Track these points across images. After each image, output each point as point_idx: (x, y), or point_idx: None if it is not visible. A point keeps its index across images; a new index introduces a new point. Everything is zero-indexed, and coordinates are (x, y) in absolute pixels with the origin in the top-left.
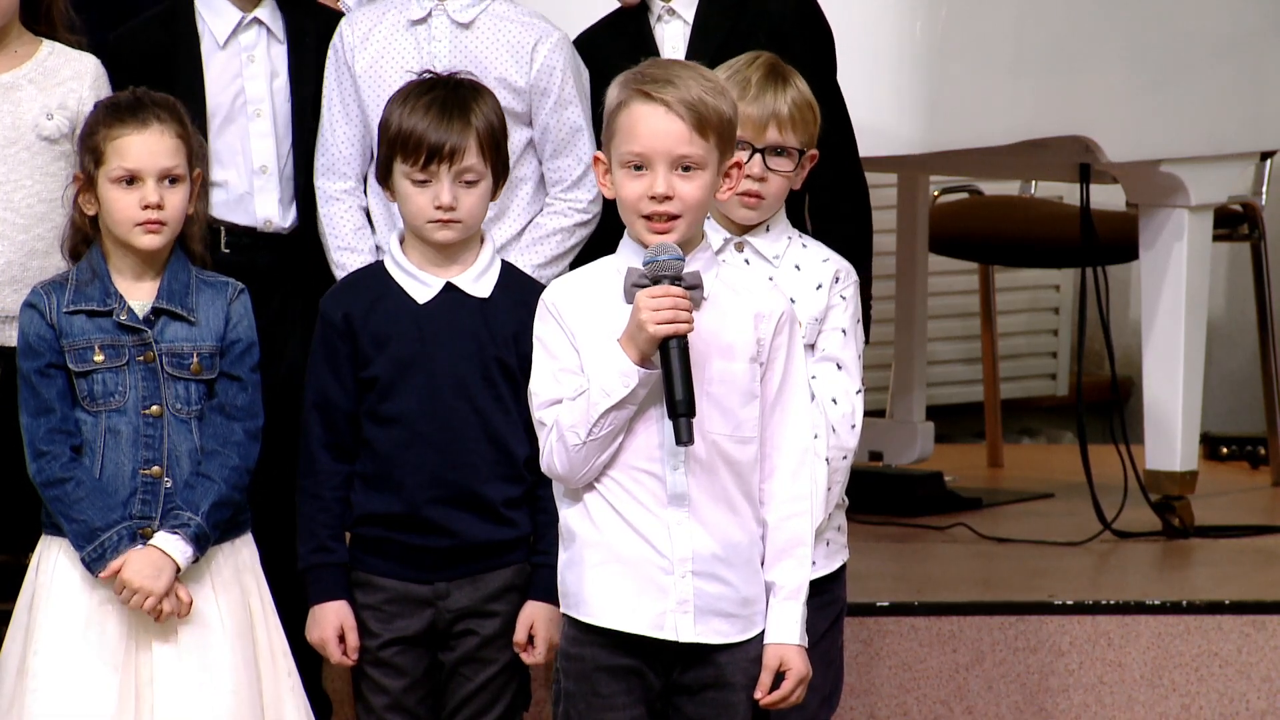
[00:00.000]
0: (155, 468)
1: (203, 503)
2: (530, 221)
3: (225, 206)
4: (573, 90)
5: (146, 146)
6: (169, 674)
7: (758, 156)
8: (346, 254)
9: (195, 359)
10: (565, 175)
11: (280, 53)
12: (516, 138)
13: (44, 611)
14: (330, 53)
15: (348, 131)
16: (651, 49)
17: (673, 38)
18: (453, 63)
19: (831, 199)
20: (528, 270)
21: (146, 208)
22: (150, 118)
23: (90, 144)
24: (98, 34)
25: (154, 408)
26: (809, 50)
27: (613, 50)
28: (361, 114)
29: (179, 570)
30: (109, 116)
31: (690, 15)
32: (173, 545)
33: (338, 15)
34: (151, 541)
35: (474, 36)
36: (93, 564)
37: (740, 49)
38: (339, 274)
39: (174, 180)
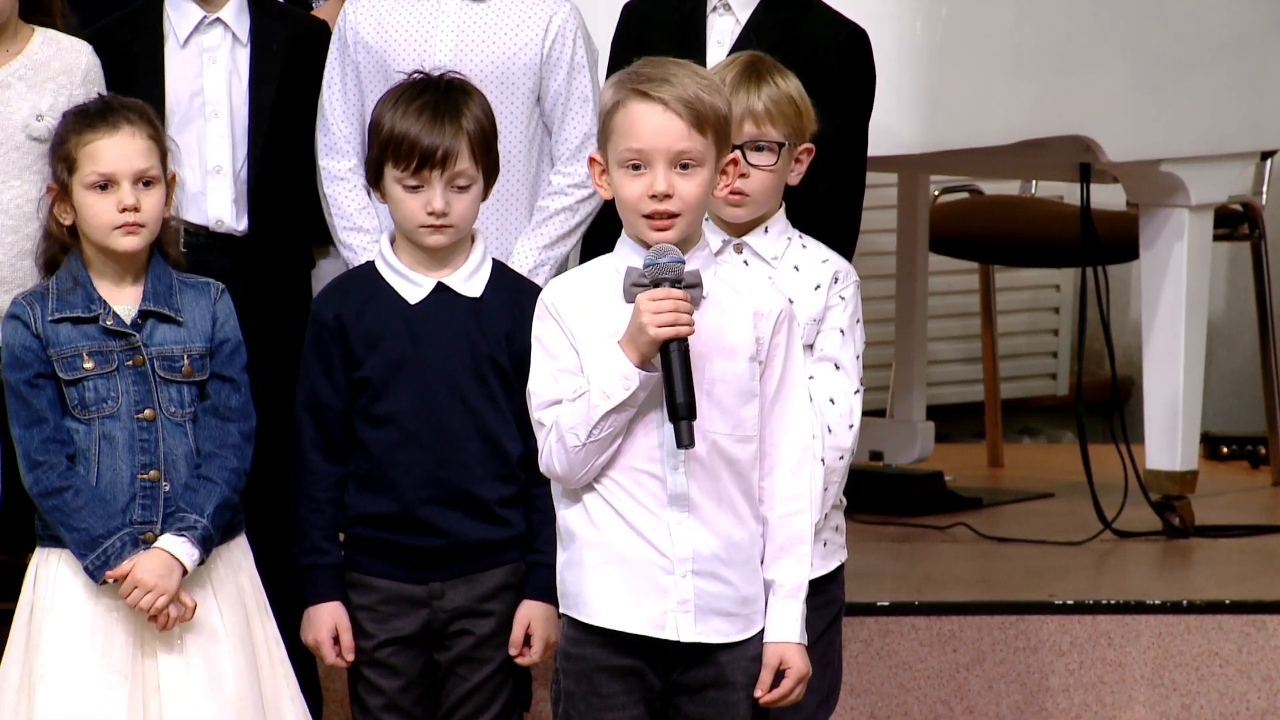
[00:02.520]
0: (153, 472)
1: (207, 505)
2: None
3: (179, 205)
4: (583, 58)
5: (119, 149)
6: (175, 681)
7: (737, 153)
8: (353, 234)
9: (186, 361)
10: (568, 145)
11: (243, 55)
12: (517, 135)
13: (47, 624)
14: (335, 32)
15: (345, 109)
16: (699, 36)
17: (720, 32)
18: (460, 37)
19: (830, 197)
20: (535, 253)
21: (124, 210)
22: (121, 121)
23: (62, 152)
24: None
25: (147, 411)
26: (846, 85)
27: (660, 25)
28: (359, 91)
29: (185, 573)
30: (79, 123)
31: (745, 16)
32: (180, 548)
33: (310, 22)
34: (158, 544)
35: (485, 10)
36: (96, 571)
37: (782, 61)
38: (347, 255)
39: (149, 182)
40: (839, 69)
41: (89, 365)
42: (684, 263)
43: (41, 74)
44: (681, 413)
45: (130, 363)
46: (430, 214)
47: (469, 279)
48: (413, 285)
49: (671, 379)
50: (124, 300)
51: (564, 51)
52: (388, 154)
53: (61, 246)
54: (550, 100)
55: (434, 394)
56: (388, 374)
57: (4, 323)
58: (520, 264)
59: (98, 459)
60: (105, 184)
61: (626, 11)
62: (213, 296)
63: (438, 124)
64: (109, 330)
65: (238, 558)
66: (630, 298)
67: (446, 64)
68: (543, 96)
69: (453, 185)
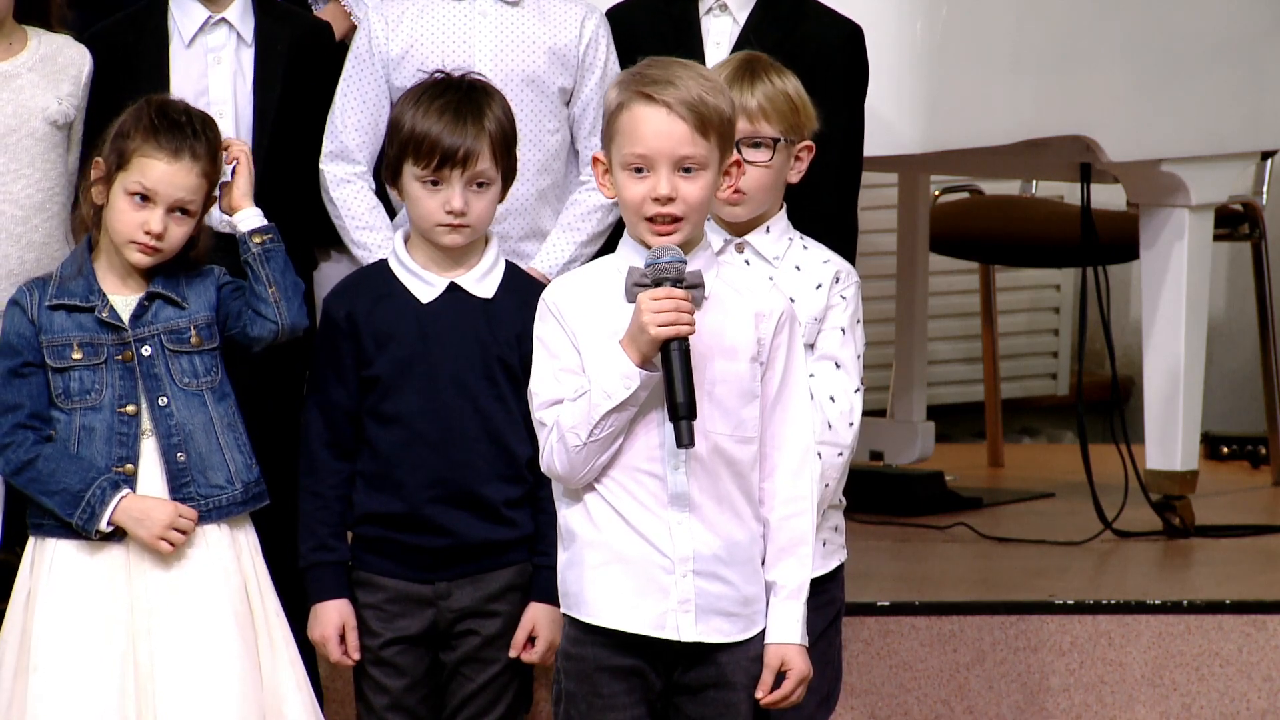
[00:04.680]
0: (129, 465)
1: None
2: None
3: None
4: (615, 65)
5: (169, 177)
6: (171, 664)
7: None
8: (365, 232)
9: (193, 331)
10: None
11: (248, 56)
12: (552, 136)
13: (41, 611)
14: (355, 40)
15: (360, 119)
16: (695, 39)
17: (719, 33)
18: (500, 40)
19: (839, 195)
20: (572, 250)
21: (148, 233)
22: (185, 151)
23: (119, 145)
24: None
25: (130, 407)
26: (847, 82)
27: (649, 30)
28: (379, 101)
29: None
30: (148, 131)
31: (743, 16)
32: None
33: (314, 23)
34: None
35: (520, 13)
36: (87, 526)
37: (785, 61)
38: (361, 254)
39: (184, 212)
40: (841, 66)
41: (77, 355)
42: (685, 262)
43: (50, 66)
44: (681, 412)
45: (119, 357)
46: (449, 213)
47: (481, 279)
48: (425, 284)
49: (672, 378)
50: (126, 291)
51: (597, 55)
52: (408, 152)
53: (97, 220)
54: (581, 104)
55: (442, 394)
56: (397, 373)
57: (6, 308)
58: (557, 256)
59: (77, 449)
60: (143, 197)
61: (609, 17)
62: (215, 277)
63: (460, 124)
64: (103, 322)
65: (240, 540)
66: (632, 298)
67: (487, 67)
68: (573, 98)
69: (472, 185)
